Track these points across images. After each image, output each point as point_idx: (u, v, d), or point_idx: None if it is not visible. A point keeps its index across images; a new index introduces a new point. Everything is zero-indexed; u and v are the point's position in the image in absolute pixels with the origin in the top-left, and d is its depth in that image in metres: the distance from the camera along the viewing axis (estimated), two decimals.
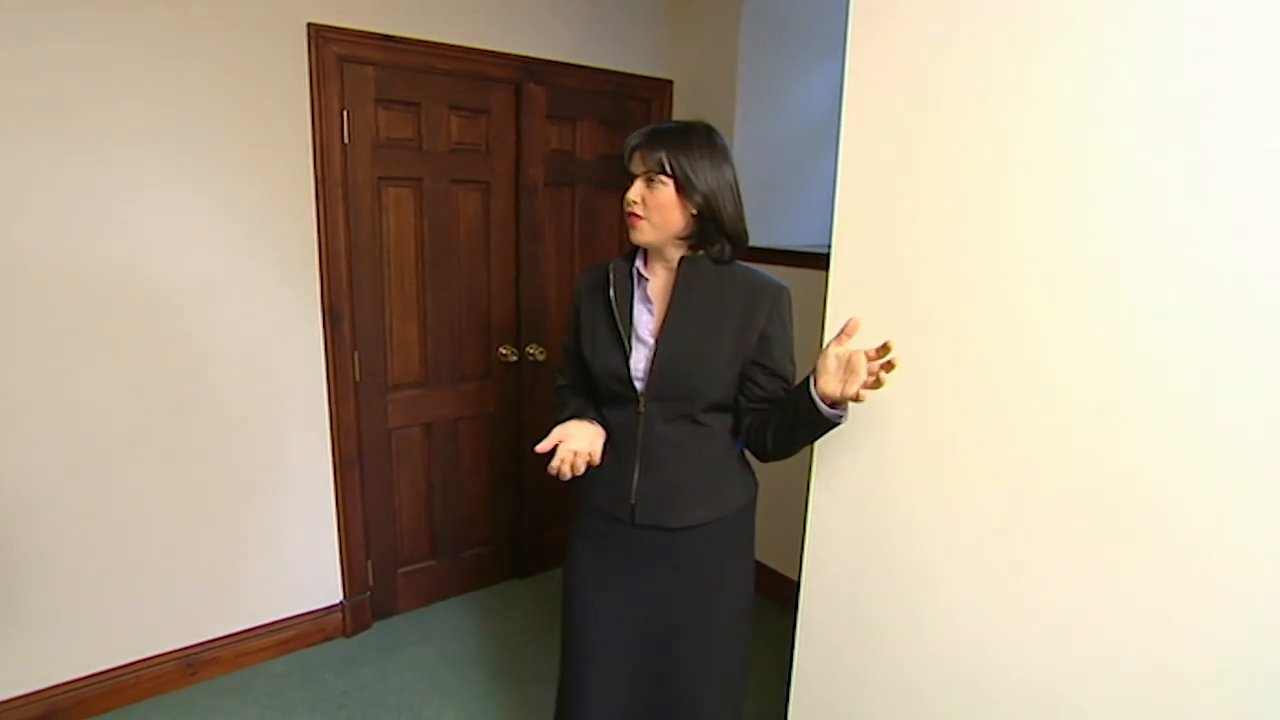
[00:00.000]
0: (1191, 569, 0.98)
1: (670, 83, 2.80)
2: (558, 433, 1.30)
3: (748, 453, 1.42)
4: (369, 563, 2.47)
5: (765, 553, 2.73)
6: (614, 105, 2.69)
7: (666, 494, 1.33)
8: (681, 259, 1.31)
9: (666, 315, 1.30)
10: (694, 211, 1.26)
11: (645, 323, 1.33)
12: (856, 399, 1.12)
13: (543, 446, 1.28)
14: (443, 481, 2.58)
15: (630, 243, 1.35)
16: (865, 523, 1.40)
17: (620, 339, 1.32)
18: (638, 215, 1.27)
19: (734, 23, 2.61)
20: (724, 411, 1.35)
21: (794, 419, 1.24)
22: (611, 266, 1.36)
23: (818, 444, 1.45)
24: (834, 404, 1.18)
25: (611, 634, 1.38)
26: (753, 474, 1.44)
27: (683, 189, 1.24)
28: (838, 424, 1.21)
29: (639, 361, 1.31)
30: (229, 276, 2.04)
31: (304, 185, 2.11)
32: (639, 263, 1.36)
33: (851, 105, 1.33)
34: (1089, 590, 1.09)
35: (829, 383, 1.15)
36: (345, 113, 2.14)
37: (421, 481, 2.54)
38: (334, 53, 2.08)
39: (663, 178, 1.24)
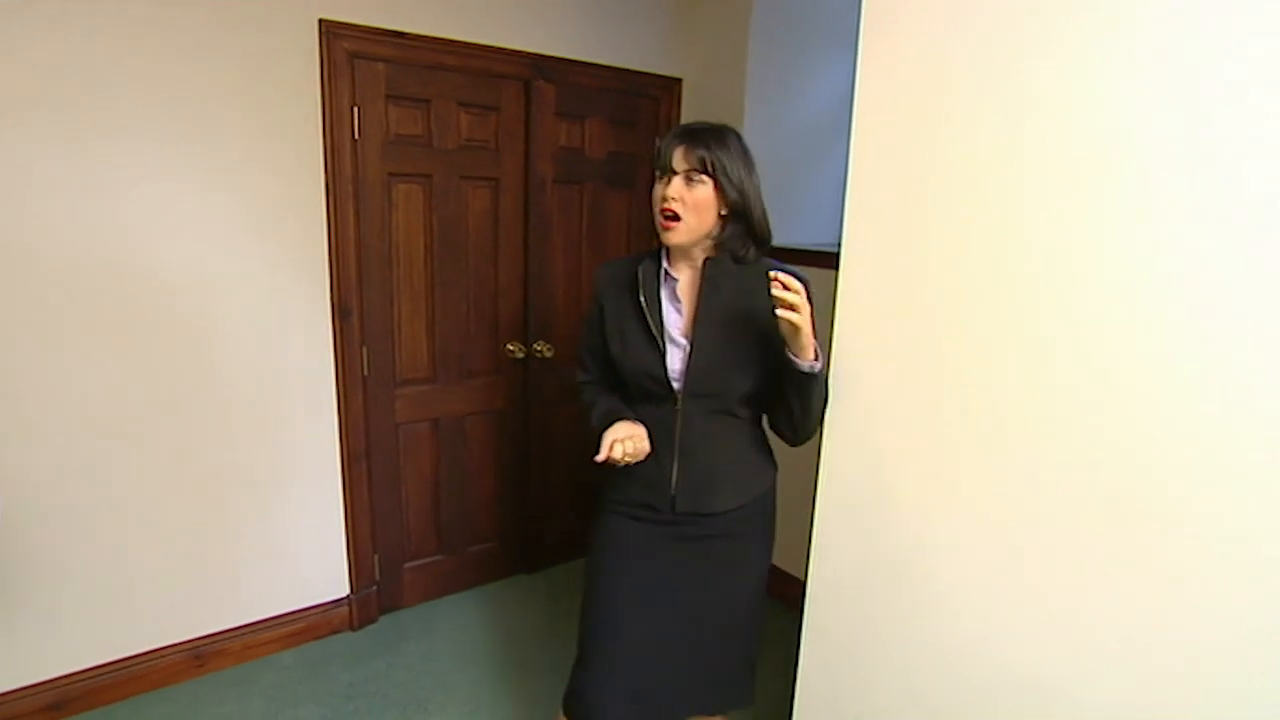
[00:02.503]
0: (1193, 568, 0.98)
1: (679, 80, 2.80)
2: (609, 438, 1.30)
3: (771, 436, 1.47)
4: (376, 557, 2.48)
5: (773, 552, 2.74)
6: (623, 103, 2.69)
7: (705, 484, 1.37)
8: (706, 259, 1.34)
9: (696, 315, 1.33)
10: (724, 212, 1.29)
11: (675, 322, 1.35)
12: (792, 326, 1.18)
13: (600, 458, 1.29)
14: (449, 477, 2.59)
15: (658, 242, 1.36)
16: (871, 523, 1.40)
17: (654, 340, 1.34)
18: (676, 215, 1.27)
19: (743, 20, 2.61)
20: (755, 401, 1.40)
21: (786, 388, 1.30)
22: (640, 266, 1.38)
23: (825, 443, 1.45)
24: (803, 357, 1.25)
25: (649, 608, 1.41)
26: (773, 456, 1.49)
27: (720, 188, 1.26)
28: (813, 373, 1.26)
29: (674, 362, 1.33)
30: (239, 270, 2.05)
31: (314, 180, 2.12)
32: (664, 262, 1.38)
33: (863, 104, 1.32)
34: (1094, 590, 1.09)
35: (786, 333, 1.22)
36: (356, 109, 2.15)
37: (428, 476, 2.55)
38: (345, 49, 2.09)
39: (703, 176, 1.26)
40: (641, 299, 1.34)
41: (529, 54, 2.41)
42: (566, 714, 1.46)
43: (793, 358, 1.25)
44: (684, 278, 1.37)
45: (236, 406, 2.12)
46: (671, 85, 2.79)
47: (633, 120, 2.73)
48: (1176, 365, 0.97)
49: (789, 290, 1.15)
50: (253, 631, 2.27)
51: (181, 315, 1.99)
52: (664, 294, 1.36)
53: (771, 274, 1.17)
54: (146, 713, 2.03)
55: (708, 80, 2.78)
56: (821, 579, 1.51)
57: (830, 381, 1.44)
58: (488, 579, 2.76)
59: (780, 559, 2.68)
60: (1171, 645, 1.01)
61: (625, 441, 1.29)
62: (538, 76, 2.44)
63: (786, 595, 2.61)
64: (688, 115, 2.85)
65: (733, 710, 1.54)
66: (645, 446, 1.32)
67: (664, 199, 1.27)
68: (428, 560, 2.62)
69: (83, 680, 2.00)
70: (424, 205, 2.35)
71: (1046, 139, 1.08)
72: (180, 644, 2.15)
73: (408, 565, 2.57)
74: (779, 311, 1.18)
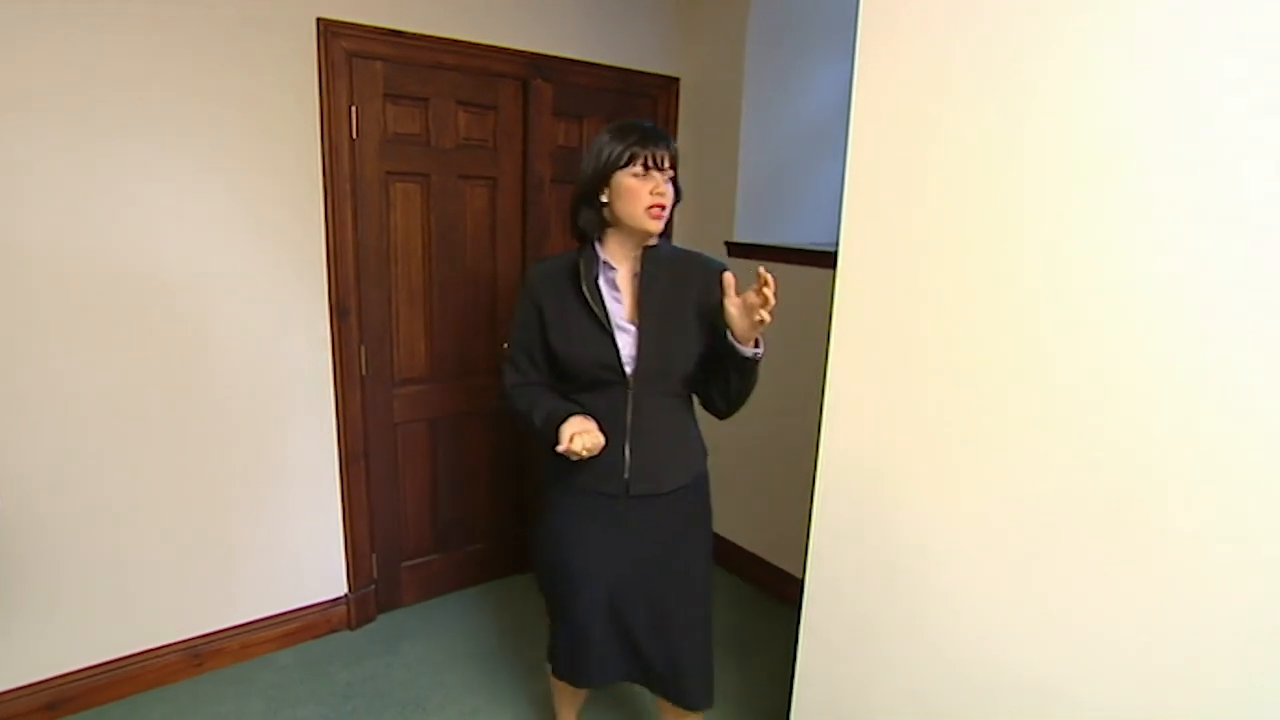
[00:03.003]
0: (1193, 569, 0.99)
1: (677, 80, 2.80)
2: (568, 430, 1.36)
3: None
4: (374, 556, 2.48)
5: (770, 550, 2.75)
6: (621, 102, 2.69)
7: (655, 465, 1.46)
8: (643, 249, 1.44)
9: (640, 302, 1.43)
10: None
11: (617, 311, 1.45)
12: (764, 322, 1.28)
13: (562, 447, 1.36)
14: (447, 476, 2.59)
15: (576, 237, 1.48)
16: (869, 523, 1.41)
17: (603, 329, 1.41)
18: (666, 205, 1.39)
19: (742, 20, 2.61)
20: (693, 383, 1.50)
21: (726, 370, 1.41)
22: (581, 260, 1.45)
23: (823, 442, 1.46)
24: (747, 344, 1.36)
25: (611, 583, 1.50)
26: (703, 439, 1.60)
27: (676, 182, 1.42)
28: (757, 359, 1.37)
29: (625, 348, 1.42)
30: (236, 270, 2.05)
31: (312, 180, 2.12)
32: (601, 253, 1.46)
33: (860, 104, 1.33)
34: (1090, 590, 1.09)
35: (738, 324, 1.33)
36: (354, 108, 2.15)
37: (426, 476, 2.55)
38: (343, 48, 2.08)
39: (674, 174, 1.41)
40: (585, 290, 1.42)
41: (527, 53, 2.41)
42: (556, 674, 1.61)
43: (737, 344, 1.35)
44: (622, 269, 1.46)
45: (235, 406, 2.12)
46: (670, 85, 2.79)
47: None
48: (1176, 365, 0.98)
49: (773, 291, 1.24)
50: (251, 631, 2.26)
51: (179, 315, 1.99)
52: (603, 284, 1.44)
53: (761, 272, 1.24)
54: (144, 712, 2.02)
55: (706, 80, 2.78)
56: (819, 579, 1.51)
57: (827, 381, 1.44)
58: (485, 578, 2.76)
59: (778, 557, 2.70)
60: (1171, 645, 1.02)
61: (584, 435, 1.35)
62: (536, 76, 2.44)
63: (785, 594, 2.62)
64: (686, 115, 2.85)
65: (694, 708, 1.55)
66: (601, 441, 1.38)
67: (657, 194, 1.37)
68: (425, 559, 2.62)
69: (80, 680, 2.00)
70: (422, 204, 2.35)
71: (1045, 139, 1.08)
72: (178, 643, 2.14)
73: (405, 564, 2.57)
74: (764, 312, 1.27)
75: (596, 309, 1.41)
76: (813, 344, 1.46)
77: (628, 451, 1.44)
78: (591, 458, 1.40)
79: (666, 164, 1.38)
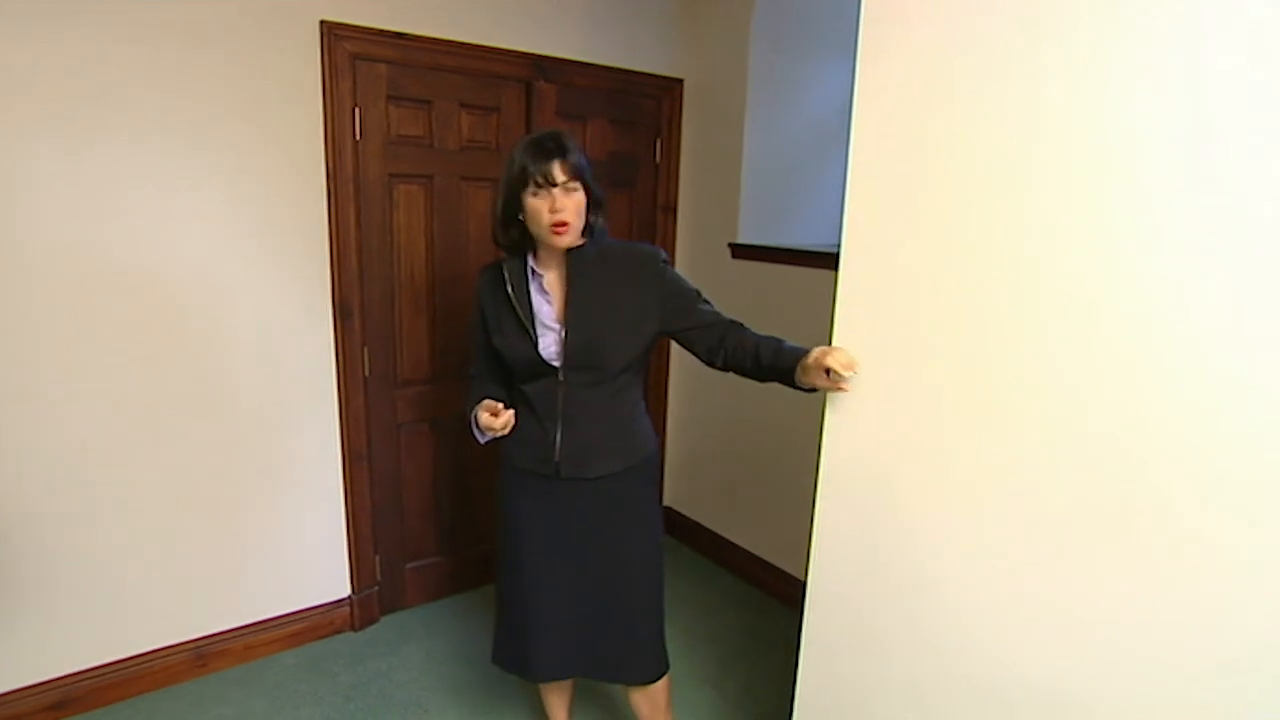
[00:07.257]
0: (1195, 571, 0.98)
1: (680, 81, 2.80)
2: (483, 419, 1.47)
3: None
4: (377, 557, 2.49)
5: (772, 552, 2.74)
6: (624, 103, 2.69)
7: (585, 450, 1.53)
8: (568, 251, 1.48)
9: (567, 302, 1.48)
10: (589, 209, 1.46)
11: (547, 312, 1.51)
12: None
13: (491, 426, 1.46)
14: (450, 477, 2.60)
15: (504, 249, 1.53)
16: (871, 526, 1.40)
17: (525, 329, 1.49)
18: (568, 222, 1.40)
19: (745, 22, 2.61)
20: (633, 372, 1.55)
21: (773, 375, 1.47)
22: (506, 268, 1.53)
23: (825, 446, 1.45)
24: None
25: (551, 560, 1.59)
26: (653, 428, 1.65)
27: (589, 191, 1.44)
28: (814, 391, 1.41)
29: (549, 345, 1.49)
30: (240, 271, 2.06)
31: (316, 181, 2.13)
32: (530, 261, 1.52)
33: (862, 105, 1.32)
34: (1093, 593, 1.09)
35: (812, 378, 1.37)
36: (357, 110, 2.15)
37: (429, 477, 2.56)
38: (346, 50, 2.09)
39: (577, 183, 1.41)
40: (510, 293, 1.50)
41: (530, 55, 2.41)
42: (502, 665, 1.68)
43: (800, 384, 1.42)
44: (550, 274, 1.52)
45: (238, 407, 2.13)
46: (673, 86, 2.79)
47: (634, 121, 2.73)
48: (1182, 368, 0.97)
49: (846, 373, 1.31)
50: (254, 632, 2.27)
51: (181, 317, 2.00)
52: (533, 288, 1.51)
53: (828, 363, 1.31)
54: (149, 712, 2.03)
55: (709, 81, 2.78)
56: (821, 582, 1.51)
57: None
58: (488, 580, 2.76)
59: (780, 559, 2.69)
60: (1176, 647, 1.01)
61: (495, 419, 1.45)
62: (539, 77, 2.45)
63: (787, 596, 2.61)
64: (690, 116, 2.85)
65: (644, 682, 1.65)
66: (506, 418, 1.45)
67: (554, 211, 1.39)
68: (429, 561, 2.62)
69: (85, 680, 2.01)
70: (425, 206, 2.36)
71: (1048, 140, 1.08)
72: (182, 644, 2.15)
73: (409, 566, 2.58)
74: (837, 383, 1.34)
75: (520, 311, 1.49)
76: (813, 343, 1.46)
77: (559, 436, 1.52)
78: (527, 441, 1.55)
79: (561, 177, 1.38)
